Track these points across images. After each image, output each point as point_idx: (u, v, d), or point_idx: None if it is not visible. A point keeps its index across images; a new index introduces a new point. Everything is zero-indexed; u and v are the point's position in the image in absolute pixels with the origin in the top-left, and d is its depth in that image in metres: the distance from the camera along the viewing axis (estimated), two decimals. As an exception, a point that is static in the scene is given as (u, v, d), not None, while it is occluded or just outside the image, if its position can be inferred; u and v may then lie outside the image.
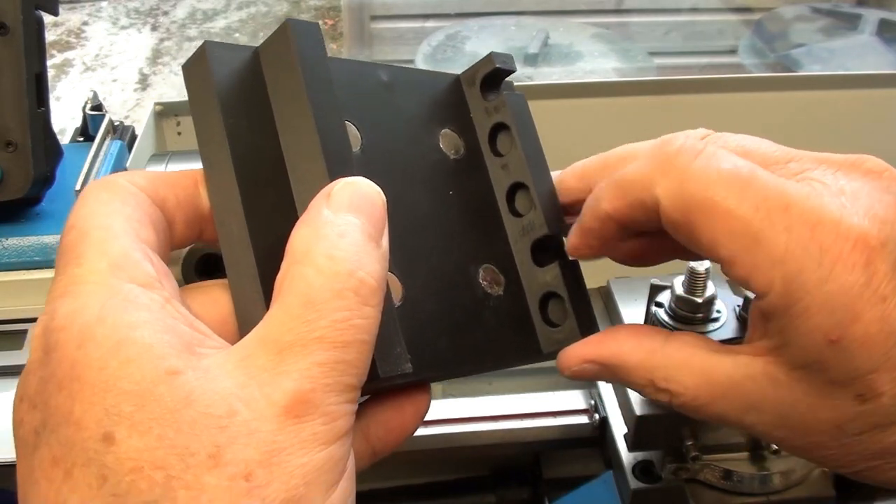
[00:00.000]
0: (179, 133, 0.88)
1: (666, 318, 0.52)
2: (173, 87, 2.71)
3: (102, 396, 0.24)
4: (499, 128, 0.41)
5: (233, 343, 0.27)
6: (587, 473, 0.68)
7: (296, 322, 0.26)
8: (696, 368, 0.33)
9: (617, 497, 0.63)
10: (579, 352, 0.37)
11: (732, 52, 2.22)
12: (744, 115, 0.91)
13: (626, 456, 0.61)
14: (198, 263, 0.59)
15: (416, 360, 0.31)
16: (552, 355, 0.39)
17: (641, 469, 0.60)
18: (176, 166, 0.64)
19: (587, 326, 0.39)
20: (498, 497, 0.74)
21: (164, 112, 0.87)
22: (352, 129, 0.35)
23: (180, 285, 0.30)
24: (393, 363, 0.29)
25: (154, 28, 3.07)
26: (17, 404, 0.26)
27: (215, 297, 0.31)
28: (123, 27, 3.08)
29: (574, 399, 0.69)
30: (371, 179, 0.30)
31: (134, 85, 2.73)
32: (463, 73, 0.42)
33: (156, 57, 2.90)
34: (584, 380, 0.38)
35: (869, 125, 0.93)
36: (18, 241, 0.60)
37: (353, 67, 0.37)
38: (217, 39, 2.94)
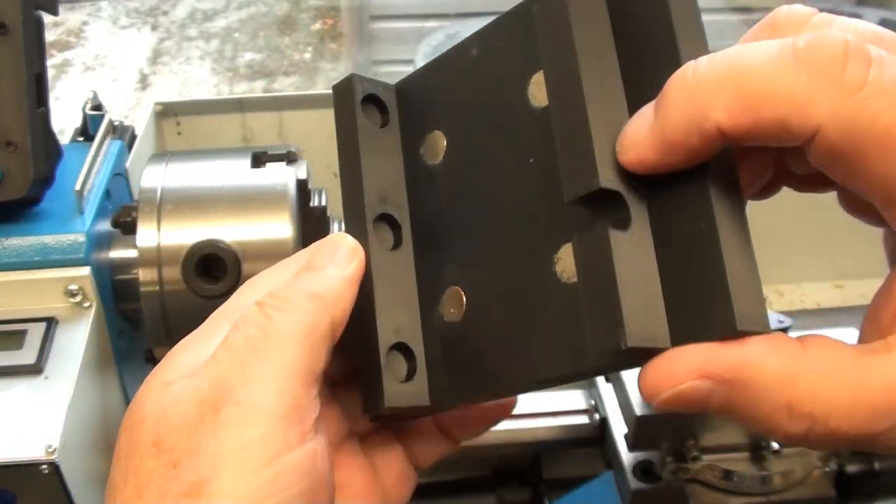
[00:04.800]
0: (179, 133, 0.88)
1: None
2: (173, 87, 2.71)
3: (134, 401, 0.31)
4: None
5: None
6: (587, 473, 0.69)
7: (229, 337, 0.31)
8: (847, 377, 0.25)
9: (617, 497, 0.63)
10: (685, 362, 0.25)
11: (732, 52, 2.22)
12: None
13: (626, 456, 0.61)
14: (198, 263, 0.59)
15: (475, 378, 0.32)
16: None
17: (641, 469, 0.60)
18: (176, 166, 0.64)
19: (687, 326, 0.26)
20: (498, 497, 0.74)
21: (164, 112, 0.87)
22: (438, 141, 0.35)
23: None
24: (402, 398, 0.33)
25: (154, 28, 3.07)
26: (148, 454, 0.31)
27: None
28: (123, 27, 3.08)
29: (574, 399, 0.69)
30: (450, 186, 0.34)
31: (134, 85, 2.73)
32: None
33: (156, 57, 2.90)
34: (682, 408, 0.26)
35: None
36: (18, 241, 0.60)
37: (443, 62, 0.36)
38: (217, 40, 2.93)
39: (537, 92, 0.31)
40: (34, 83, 0.59)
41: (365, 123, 0.35)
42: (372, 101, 0.36)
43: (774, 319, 0.62)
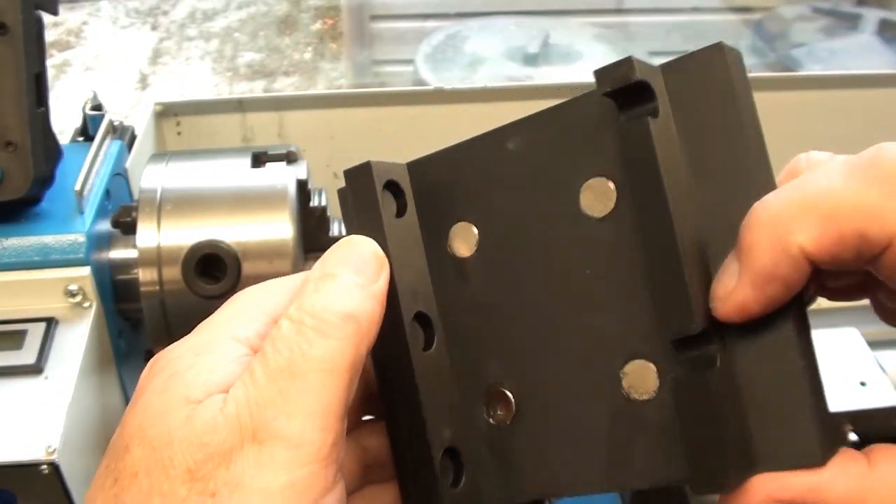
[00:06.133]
0: (179, 133, 0.88)
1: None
2: (173, 87, 2.71)
3: (141, 413, 0.29)
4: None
5: None
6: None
7: (265, 356, 0.29)
8: None
9: (617, 497, 0.63)
10: (762, 489, 0.27)
11: (732, 52, 2.22)
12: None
13: (626, 456, 0.61)
14: (198, 263, 0.59)
15: (529, 480, 0.32)
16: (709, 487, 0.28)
17: (641, 469, 0.60)
18: (176, 166, 0.64)
19: (768, 456, 0.27)
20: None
21: (164, 112, 0.87)
22: (467, 232, 0.34)
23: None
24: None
25: (154, 28, 3.07)
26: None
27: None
28: (123, 27, 3.08)
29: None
30: (486, 282, 0.33)
31: (134, 85, 2.73)
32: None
33: (156, 57, 2.90)
34: None
35: (869, 125, 0.93)
36: (18, 241, 0.60)
37: (469, 149, 0.34)
38: (217, 40, 2.92)
39: (592, 201, 0.31)
40: (34, 83, 0.59)
41: (386, 214, 0.33)
42: (388, 187, 0.34)
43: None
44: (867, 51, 1.99)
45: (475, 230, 0.34)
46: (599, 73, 0.29)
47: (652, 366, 0.29)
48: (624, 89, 0.29)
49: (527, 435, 0.32)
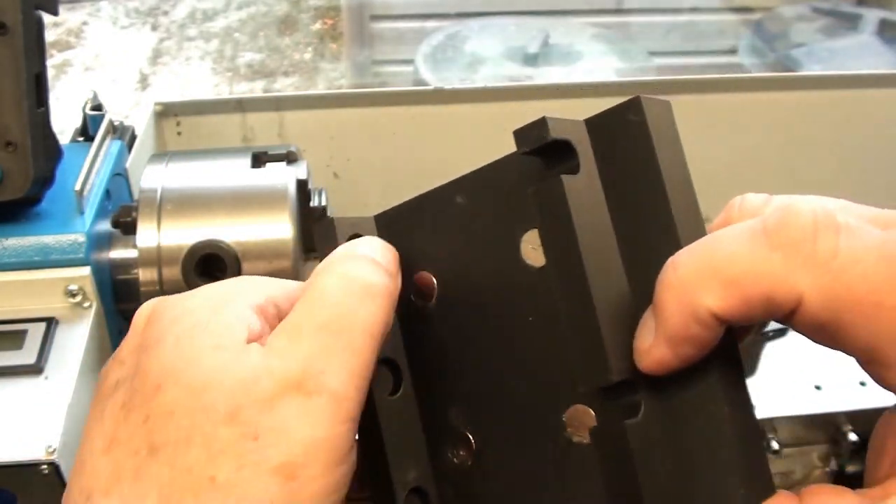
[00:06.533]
0: (179, 133, 0.88)
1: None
2: (173, 88, 2.71)
3: (167, 354, 0.29)
4: None
5: None
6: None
7: (310, 311, 0.30)
8: None
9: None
10: None
11: (732, 52, 2.22)
12: (744, 115, 0.91)
13: (626, 456, 0.61)
14: (198, 263, 0.59)
15: None
16: None
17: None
18: (176, 166, 0.64)
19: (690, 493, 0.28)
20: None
21: (164, 112, 0.87)
22: (424, 281, 0.35)
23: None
24: None
25: (154, 28, 3.07)
26: (109, 363, 0.31)
27: None
28: (123, 27, 3.08)
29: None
30: (447, 329, 0.34)
31: (134, 85, 2.73)
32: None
33: (156, 57, 2.90)
34: None
35: (869, 125, 0.93)
36: (18, 241, 0.60)
37: (424, 203, 0.35)
38: (217, 40, 2.91)
39: (531, 252, 0.32)
40: (34, 83, 0.59)
41: None
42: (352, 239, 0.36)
43: (771, 323, 0.61)
44: (867, 51, 1.99)
45: (434, 280, 0.35)
46: (517, 134, 0.30)
47: (591, 411, 0.30)
48: (543, 148, 0.30)
49: (486, 477, 0.33)
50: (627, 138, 0.30)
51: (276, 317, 0.32)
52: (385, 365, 0.35)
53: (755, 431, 0.28)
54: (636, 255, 0.30)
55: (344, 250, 0.33)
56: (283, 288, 0.33)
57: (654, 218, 0.29)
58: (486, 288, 0.33)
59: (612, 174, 0.30)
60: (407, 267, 0.35)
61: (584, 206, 0.29)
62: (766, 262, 0.25)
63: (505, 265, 0.32)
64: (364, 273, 0.31)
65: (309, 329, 0.29)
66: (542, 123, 0.29)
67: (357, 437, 0.32)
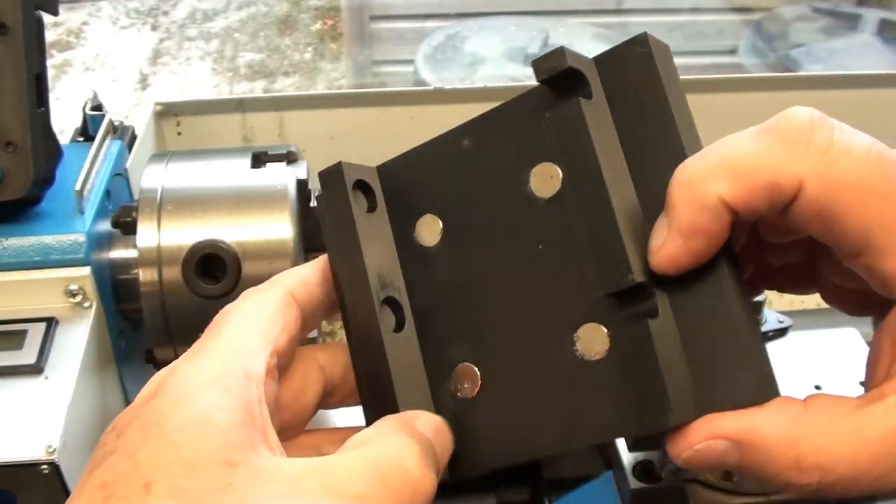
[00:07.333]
0: (179, 133, 0.88)
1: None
2: (173, 88, 2.71)
3: (165, 451, 0.27)
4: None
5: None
6: (587, 473, 0.68)
7: (359, 481, 0.28)
8: (846, 430, 0.28)
9: (617, 497, 0.63)
10: (702, 430, 0.29)
11: (732, 52, 2.22)
12: (744, 115, 0.90)
13: (626, 456, 0.61)
14: (198, 263, 0.59)
15: (494, 448, 0.34)
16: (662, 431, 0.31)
17: (641, 469, 0.60)
18: (176, 166, 0.64)
19: (706, 399, 0.30)
20: (498, 497, 0.74)
21: (164, 112, 0.87)
22: (431, 223, 0.37)
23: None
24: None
25: (154, 28, 3.07)
26: (108, 430, 0.30)
27: (336, 356, 0.37)
28: (123, 27, 3.08)
29: (574, 399, 0.69)
30: (450, 268, 0.35)
31: (134, 85, 2.73)
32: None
33: (156, 57, 2.90)
34: (703, 467, 0.30)
35: (869, 125, 0.92)
36: (18, 241, 0.60)
37: (428, 150, 0.37)
38: (217, 40, 2.92)
39: (540, 184, 0.34)
40: (34, 83, 0.59)
41: (357, 209, 0.37)
42: (358, 185, 0.37)
43: (774, 319, 0.62)
44: (867, 51, 1.99)
45: (439, 222, 0.37)
46: (536, 63, 0.32)
47: (602, 328, 0.32)
48: (558, 77, 0.32)
49: (491, 405, 0.34)
50: (633, 68, 0.32)
51: (294, 327, 0.34)
52: (388, 304, 0.36)
53: (758, 332, 0.30)
54: (643, 173, 0.32)
55: (402, 422, 0.32)
56: (275, 316, 0.34)
57: (660, 138, 0.31)
58: (493, 223, 0.35)
59: (619, 102, 0.32)
60: (411, 211, 0.37)
61: (598, 126, 0.32)
62: (769, 153, 0.28)
63: (512, 199, 0.34)
64: (407, 465, 0.30)
65: (346, 497, 0.28)
66: (560, 53, 0.32)
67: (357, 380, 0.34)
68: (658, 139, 0.31)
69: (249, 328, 0.33)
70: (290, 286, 0.35)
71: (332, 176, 0.36)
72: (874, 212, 0.27)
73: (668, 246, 0.29)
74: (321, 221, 0.37)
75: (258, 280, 0.36)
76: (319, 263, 0.37)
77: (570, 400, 0.32)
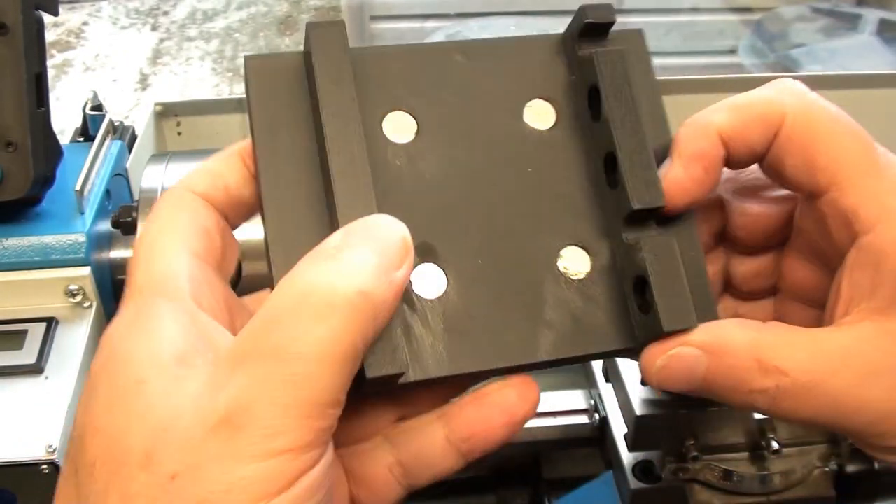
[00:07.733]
0: (179, 133, 0.88)
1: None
2: (173, 88, 2.71)
3: (93, 402, 0.29)
4: (597, 89, 0.36)
5: None
6: (587, 473, 0.69)
7: (252, 337, 0.27)
8: (806, 342, 0.32)
9: (617, 497, 0.63)
10: (674, 339, 0.32)
11: (732, 52, 2.22)
12: (744, 115, 0.90)
13: (626, 456, 0.61)
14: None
15: (451, 355, 0.33)
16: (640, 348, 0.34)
17: (641, 469, 0.60)
18: (176, 166, 0.64)
19: (684, 315, 0.33)
20: (498, 497, 0.75)
21: (164, 112, 0.87)
22: (402, 120, 0.36)
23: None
24: (380, 365, 0.30)
25: (154, 28, 3.07)
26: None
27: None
28: (123, 27, 3.08)
29: (574, 399, 0.69)
30: (423, 170, 0.35)
31: (134, 85, 2.73)
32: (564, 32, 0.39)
33: (156, 57, 2.90)
34: (674, 384, 0.33)
35: (869, 125, 0.92)
36: (18, 241, 0.60)
37: (413, 52, 0.37)
38: (217, 41, 2.91)
39: (533, 117, 0.37)
40: (34, 83, 0.59)
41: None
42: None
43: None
44: (867, 51, 1.99)
45: (412, 119, 0.36)
46: (587, 8, 0.37)
47: (585, 252, 0.35)
48: (599, 26, 0.37)
49: (464, 311, 0.34)
50: (632, 52, 0.38)
51: (215, 230, 0.36)
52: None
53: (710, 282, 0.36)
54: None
55: (336, 241, 0.29)
56: (196, 228, 0.35)
57: (653, 115, 0.37)
58: (478, 134, 0.36)
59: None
60: (380, 101, 0.36)
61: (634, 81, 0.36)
62: (760, 93, 0.34)
63: (502, 120, 0.37)
64: (333, 282, 0.27)
65: (246, 358, 0.27)
66: (610, 7, 0.37)
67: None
68: (651, 110, 0.37)
69: (159, 255, 0.33)
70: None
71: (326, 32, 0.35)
72: (842, 147, 0.32)
73: (671, 173, 0.34)
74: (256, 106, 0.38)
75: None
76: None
77: (542, 313, 0.34)
